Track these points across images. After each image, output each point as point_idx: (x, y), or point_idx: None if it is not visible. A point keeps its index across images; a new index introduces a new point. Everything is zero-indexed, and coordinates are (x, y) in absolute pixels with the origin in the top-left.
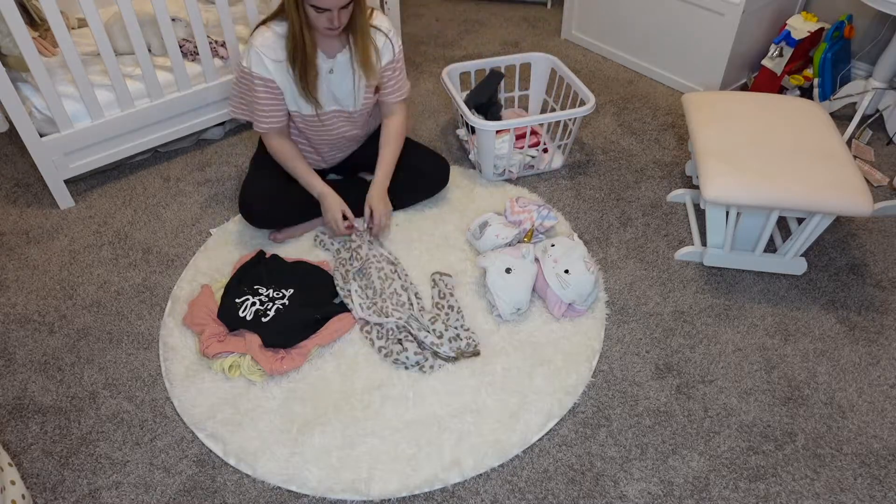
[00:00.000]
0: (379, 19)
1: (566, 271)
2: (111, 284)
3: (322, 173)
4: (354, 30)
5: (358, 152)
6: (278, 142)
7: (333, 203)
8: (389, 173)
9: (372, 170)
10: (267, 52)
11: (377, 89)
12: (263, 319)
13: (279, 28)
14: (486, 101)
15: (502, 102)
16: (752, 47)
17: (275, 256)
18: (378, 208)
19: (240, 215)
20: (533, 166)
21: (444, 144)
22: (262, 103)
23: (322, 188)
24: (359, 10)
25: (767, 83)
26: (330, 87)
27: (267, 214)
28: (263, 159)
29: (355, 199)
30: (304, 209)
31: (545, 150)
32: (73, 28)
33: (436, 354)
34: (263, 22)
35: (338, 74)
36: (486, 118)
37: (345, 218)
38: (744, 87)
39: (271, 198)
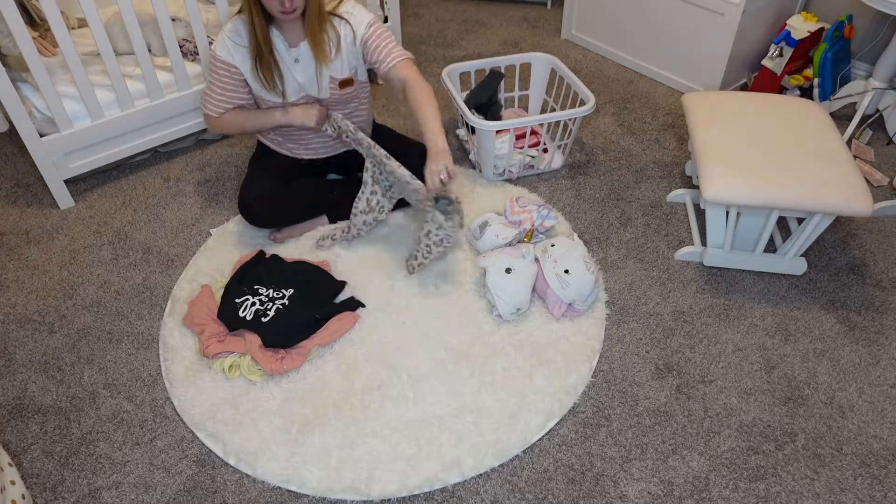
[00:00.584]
0: (345, 5)
1: (566, 271)
2: (111, 284)
3: (323, 174)
4: (309, 13)
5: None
6: (220, 121)
7: (299, 110)
8: (440, 127)
9: (354, 170)
10: (234, 37)
11: (344, 83)
12: (263, 319)
13: (245, 17)
14: (486, 101)
15: (502, 102)
16: (752, 47)
17: (275, 256)
18: (448, 162)
19: (240, 215)
20: (533, 166)
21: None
22: (218, 86)
23: (282, 111)
24: None
25: (767, 83)
26: (295, 76)
27: (266, 214)
28: (263, 159)
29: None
30: (304, 209)
31: (545, 150)
32: (73, 28)
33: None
34: (239, 11)
35: (302, 63)
36: (486, 118)
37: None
38: (744, 87)
39: (271, 198)
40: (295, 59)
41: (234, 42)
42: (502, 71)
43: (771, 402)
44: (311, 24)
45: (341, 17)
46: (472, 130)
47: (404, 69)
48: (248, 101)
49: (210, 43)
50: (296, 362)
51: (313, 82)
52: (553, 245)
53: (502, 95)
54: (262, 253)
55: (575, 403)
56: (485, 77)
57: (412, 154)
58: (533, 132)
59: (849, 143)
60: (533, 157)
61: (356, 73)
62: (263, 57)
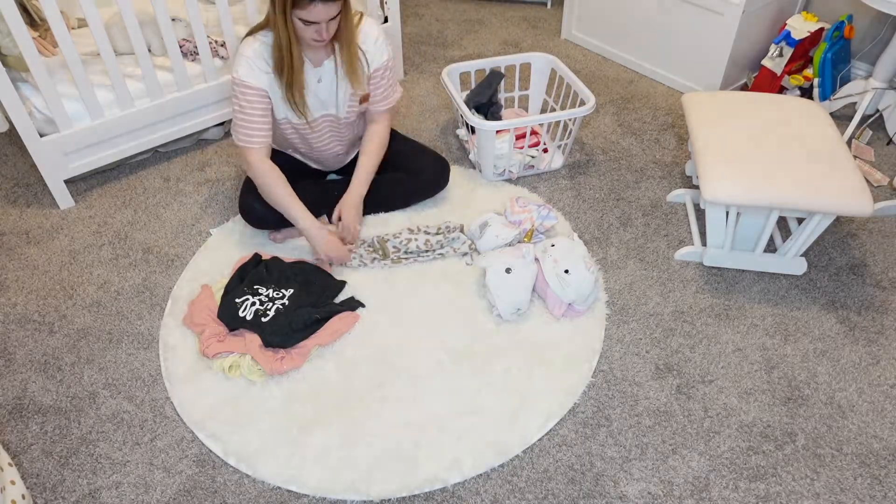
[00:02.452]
0: (367, 26)
1: (566, 271)
2: (111, 284)
3: (324, 174)
4: (340, 40)
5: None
6: (262, 162)
7: (320, 238)
8: (367, 182)
9: (379, 170)
10: (258, 61)
11: (364, 99)
12: (263, 319)
13: (266, 38)
14: (486, 101)
15: (502, 102)
16: (752, 47)
17: (275, 257)
18: (348, 216)
19: (240, 215)
20: (533, 166)
21: (444, 144)
22: (252, 114)
23: (305, 221)
24: (345, 20)
25: (767, 83)
26: (318, 95)
27: (267, 216)
28: None
29: (366, 201)
30: (306, 208)
31: (545, 150)
32: (73, 28)
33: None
34: (250, 33)
35: (325, 82)
36: (486, 118)
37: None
38: (744, 87)
39: None
40: (318, 80)
41: (259, 68)
42: (502, 71)
43: (771, 402)
44: (345, 53)
45: (366, 38)
46: (472, 130)
47: (384, 115)
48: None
49: (211, 43)
50: (296, 362)
51: (334, 100)
52: (553, 245)
53: (502, 95)
54: (258, 255)
55: (575, 403)
56: (485, 77)
57: (426, 162)
58: (533, 132)
59: (849, 143)
60: (533, 157)
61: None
62: (295, 79)
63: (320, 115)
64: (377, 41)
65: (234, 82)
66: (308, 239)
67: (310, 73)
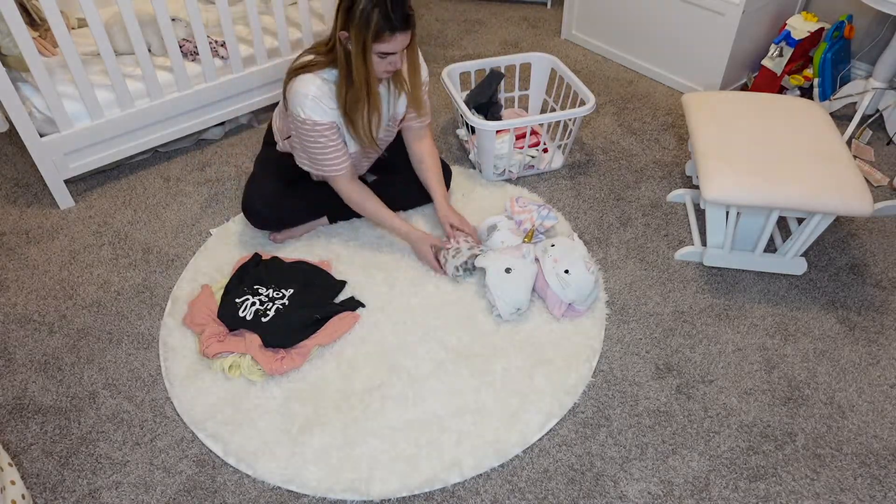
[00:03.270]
0: None
1: (566, 271)
2: (111, 284)
3: None
4: (410, 65)
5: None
6: (352, 185)
7: (423, 246)
8: (446, 192)
9: (380, 171)
10: (325, 100)
11: (402, 119)
12: (263, 319)
13: (326, 75)
14: (486, 101)
15: (502, 102)
16: (752, 47)
17: (275, 257)
18: (454, 219)
19: (240, 215)
20: (533, 166)
21: (444, 144)
22: (331, 148)
23: (407, 231)
24: (412, 46)
25: (767, 83)
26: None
27: (270, 217)
28: (267, 160)
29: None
30: (306, 211)
31: (545, 150)
32: (73, 28)
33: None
34: (302, 69)
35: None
36: (486, 118)
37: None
38: (744, 87)
39: (275, 200)
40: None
41: (327, 105)
42: (502, 71)
43: (771, 402)
44: (413, 77)
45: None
46: (472, 130)
47: (427, 132)
48: None
49: (211, 43)
50: (296, 362)
51: (385, 123)
52: (553, 245)
53: (502, 95)
54: (258, 255)
55: (575, 403)
56: (485, 77)
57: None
58: (533, 132)
59: (849, 143)
60: (533, 157)
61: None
62: (373, 113)
63: (377, 137)
64: (421, 57)
65: (305, 122)
66: (412, 243)
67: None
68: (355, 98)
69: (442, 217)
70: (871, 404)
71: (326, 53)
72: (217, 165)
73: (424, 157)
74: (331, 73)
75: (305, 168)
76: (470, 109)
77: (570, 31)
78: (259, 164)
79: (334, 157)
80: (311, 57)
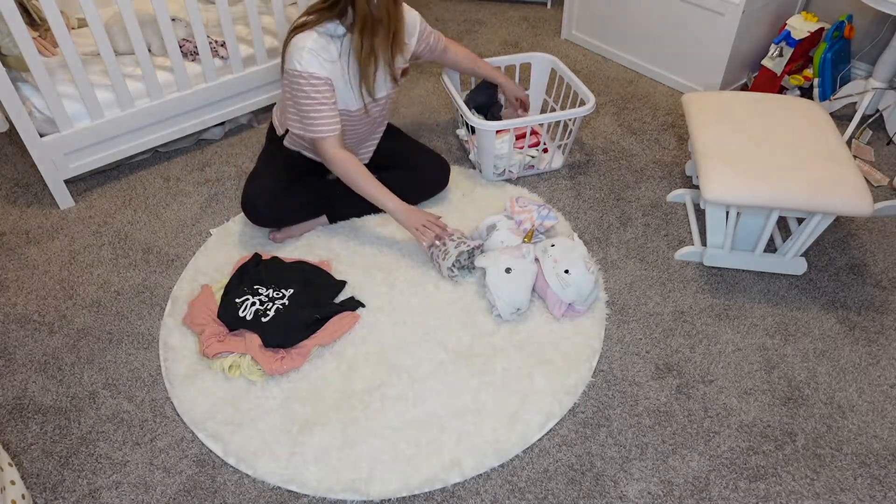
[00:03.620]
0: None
1: (566, 271)
2: (111, 284)
3: (326, 174)
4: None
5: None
6: (340, 152)
7: (411, 215)
8: (493, 69)
9: (380, 169)
10: (321, 52)
11: (404, 72)
12: (263, 319)
13: (323, 30)
14: (486, 101)
15: (502, 102)
16: (752, 47)
17: (274, 257)
18: (514, 89)
19: (240, 215)
20: (533, 166)
21: (444, 144)
22: (324, 106)
23: (393, 204)
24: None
25: (767, 83)
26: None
27: (269, 213)
28: (270, 157)
29: (357, 199)
30: (306, 208)
31: (545, 150)
32: (73, 28)
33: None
34: (300, 27)
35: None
36: (486, 118)
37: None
38: (744, 87)
39: (274, 197)
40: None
41: (324, 58)
42: (502, 71)
43: (771, 402)
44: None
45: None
46: (472, 130)
47: (452, 45)
48: None
49: (211, 43)
50: (296, 362)
51: (383, 79)
52: (553, 245)
53: (502, 96)
54: (258, 255)
55: (575, 403)
56: (483, 82)
57: (426, 161)
58: (533, 132)
59: (849, 143)
60: (533, 157)
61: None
62: (396, 41)
63: (376, 99)
64: (408, 12)
65: (301, 75)
66: (397, 219)
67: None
68: (373, 33)
69: (508, 89)
70: (871, 404)
71: (325, 10)
72: (217, 165)
73: (464, 58)
74: (328, 27)
75: (296, 131)
76: (470, 109)
77: (570, 31)
78: (261, 162)
79: (325, 117)
80: (307, 17)
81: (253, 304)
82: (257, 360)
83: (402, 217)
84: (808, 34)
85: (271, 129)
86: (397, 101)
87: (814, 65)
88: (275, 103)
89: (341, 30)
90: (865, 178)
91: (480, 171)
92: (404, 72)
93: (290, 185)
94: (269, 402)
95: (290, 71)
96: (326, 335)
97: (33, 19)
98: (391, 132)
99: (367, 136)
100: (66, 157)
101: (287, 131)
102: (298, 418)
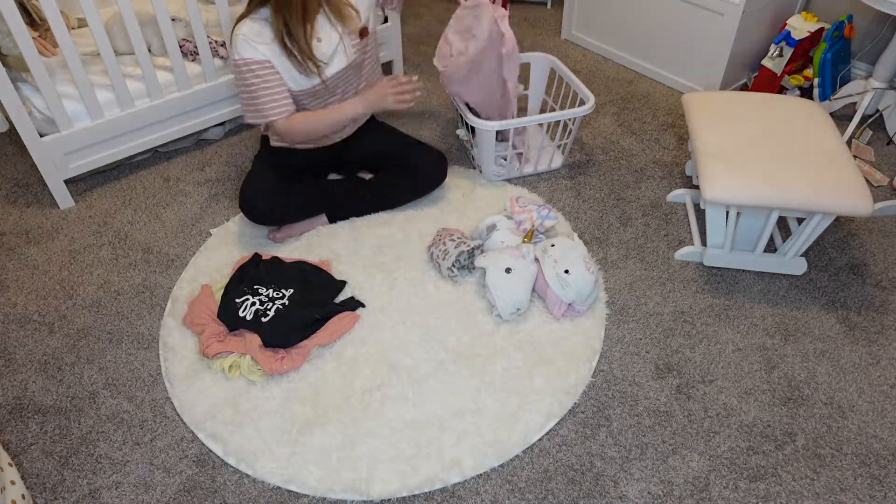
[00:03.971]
0: None
1: (566, 271)
2: (111, 284)
3: (325, 174)
4: None
5: (354, 147)
6: (288, 120)
7: (376, 93)
8: None
9: (375, 168)
10: (254, 37)
11: (363, 33)
12: (263, 319)
13: (257, 15)
14: None
15: None
16: (752, 47)
17: (275, 257)
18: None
19: (240, 215)
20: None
21: (444, 144)
22: (267, 87)
23: (357, 105)
24: None
25: (767, 83)
26: (324, 54)
27: (267, 210)
28: (266, 157)
29: (357, 198)
30: (304, 206)
31: (519, 154)
32: (73, 28)
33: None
34: (238, 20)
35: (324, 39)
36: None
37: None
38: (744, 87)
39: (272, 193)
40: (318, 39)
41: (256, 42)
42: None
43: (771, 402)
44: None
45: None
46: (472, 130)
47: None
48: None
49: (211, 43)
50: (296, 362)
51: (342, 50)
52: (553, 245)
53: None
54: (258, 256)
55: (575, 403)
56: None
57: (422, 156)
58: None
59: (849, 143)
60: (504, 159)
61: (368, 23)
62: (307, 26)
63: (333, 74)
64: None
65: (238, 64)
66: (369, 109)
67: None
68: (288, 18)
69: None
70: (871, 404)
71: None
72: (217, 165)
73: None
74: (261, 12)
75: (251, 121)
76: (470, 109)
77: (570, 31)
78: (256, 162)
79: (272, 99)
80: (246, 8)
81: (253, 304)
82: (257, 360)
83: (372, 101)
84: (808, 34)
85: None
86: None
87: (814, 65)
88: None
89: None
90: (865, 178)
91: (480, 171)
92: (362, 32)
93: (287, 183)
94: (269, 402)
95: (231, 63)
96: (326, 335)
97: (33, 19)
98: (383, 129)
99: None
100: (66, 157)
101: (268, 128)
102: (298, 418)
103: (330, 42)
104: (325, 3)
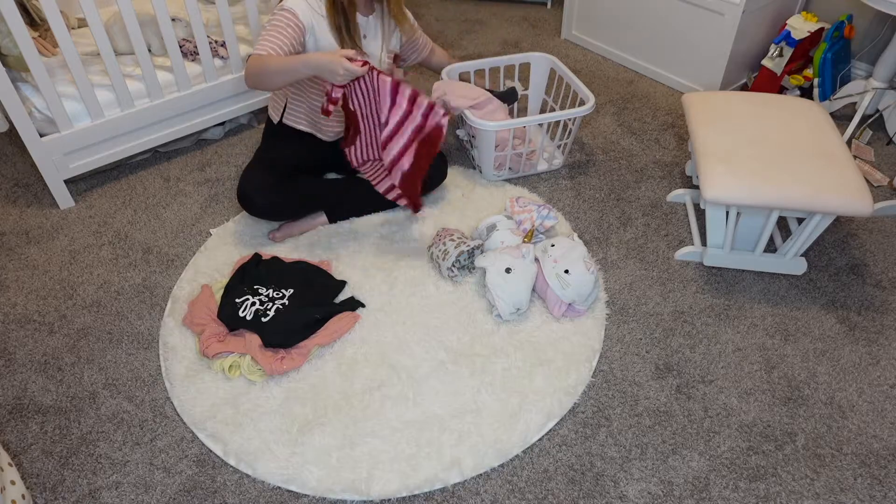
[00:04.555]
0: None
1: (566, 271)
2: (111, 284)
3: (322, 173)
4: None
5: None
6: (259, 57)
7: (326, 56)
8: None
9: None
10: (314, 4)
11: (396, 58)
12: (263, 319)
13: None
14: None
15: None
16: (752, 47)
17: (275, 257)
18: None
19: (240, 215)
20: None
21: (444, 144)
22: (278, 32)
23: (311, 57)
24: None
25: (767, 83)
26: (366, 48)
27: (265, 202)
28: (265, 150)
29: (355, 197)
30: (302, 202)
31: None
32: (73, 28)
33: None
34: None
35: (370, 37)
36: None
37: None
38: (744, 87)
39: (271, 186)
40: (363, 35)
41: (312, 7)
42: (518, 93)
43: (771, 402)
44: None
45: None
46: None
47: (437, 52)
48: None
49: (211, 43)
50: (296, 362)
51: (377, 56)
52: (553, 245)
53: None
54: (258, 256)
55: (575, 403)
56: (500, 91)
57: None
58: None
59: (849, 143)
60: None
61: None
62: (348, 23)
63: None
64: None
65: (280, 8)
66: (312, 67)
67: (360, 24)
68: (333, 7)
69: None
70: (871, 404)
71: None
72: (217, 165)
73: (443, 61)
74: None
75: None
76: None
77: (569, 31)
78: (257, 155)
79: (271, 38)
80: None
81: (253, 304)
82: (257, 360)
83: (321, 65)
84: (808, 34)
85: (268, 123)
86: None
87: (814, 65)
88: None
89: None
90: (865, 178)
91: (480, 171)
92: (397, 57)
93: (286, 177)
94: (269, 402)
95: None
96: (326, 335)
97: (33, 19)
98: None
99: None
100: (66, 157)
101: (285, 107)
102: (298, 418)
103: (374, 43)
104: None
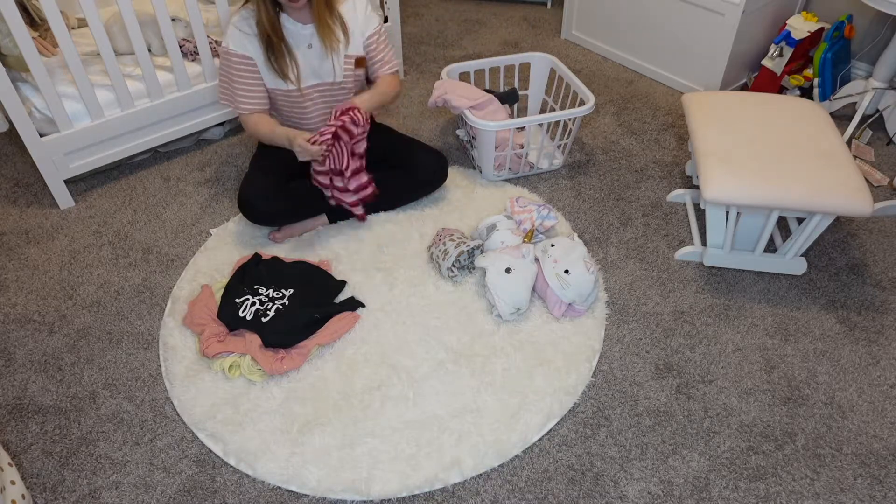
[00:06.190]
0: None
1: (566, 271)
2: (111, 284)
3: None
4: (315, 3)
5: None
6: (255, 118)
7: (290, 137)
8: (374, 98)
9: (376, 169)
10: (244, 27)
11: (359, 63)
12: (263, 319)
13: (253, 5)
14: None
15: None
16: (752, 47)
17: (275, 257)
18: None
19: (240, 215)
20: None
21: (444, 144)
22: (242, 83)
23: (288, 132)
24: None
25: (767, 83)
26: (309, 62)
27: (266, 210)
28: (263, 158)
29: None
30: (303, 206)
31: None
32: (73, 28)
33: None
34: (243, 4)
35: (316, 48)
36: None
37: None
38: (744, 87)
39: (271, 193)
40: (308, 45)
41: (244, 32)
42: (518, 92)
43: (771, 402)
44: (318, 10)
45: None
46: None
47: (394, 79)
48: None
49: (210, 43)
50: (296, 362)
51: (329, 66)
52: (553, 245)
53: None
54: (258, 255)
55: (575, 403)
56: (500, 92)
57: (423, 157)
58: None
59: (849, 143)
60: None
61: (360, 52)
62: (274, 44)
63: (312, 85)
64: (366, 9)
65: (223, 52)
66: (287, 142)
67: (300, 38)
68: (259, 28)
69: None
70: (871, 404)
71: None
72: (217, 165)
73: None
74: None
75: (222, 101)
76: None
77: (569, 31)
78: (255, 161)
79: (245, 92)
80: None
81: (253, 304)
82: (257, 360)
83: (290, 140)
84: (808, 34)
85: None
86: (398, 102)
87: (814, 65)
88: None
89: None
90: (865, 178)
91: (480, 171)
92: (359, 62)
93: (284, 182)
94: (269, 402)
95: (222, 47)
96: (326, 335)
97: (33, 19)
98: (383, 130)
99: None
100: (66, 157)
101: None
102: (298, 418)
103: (321, 52)
104: (316, 16)
